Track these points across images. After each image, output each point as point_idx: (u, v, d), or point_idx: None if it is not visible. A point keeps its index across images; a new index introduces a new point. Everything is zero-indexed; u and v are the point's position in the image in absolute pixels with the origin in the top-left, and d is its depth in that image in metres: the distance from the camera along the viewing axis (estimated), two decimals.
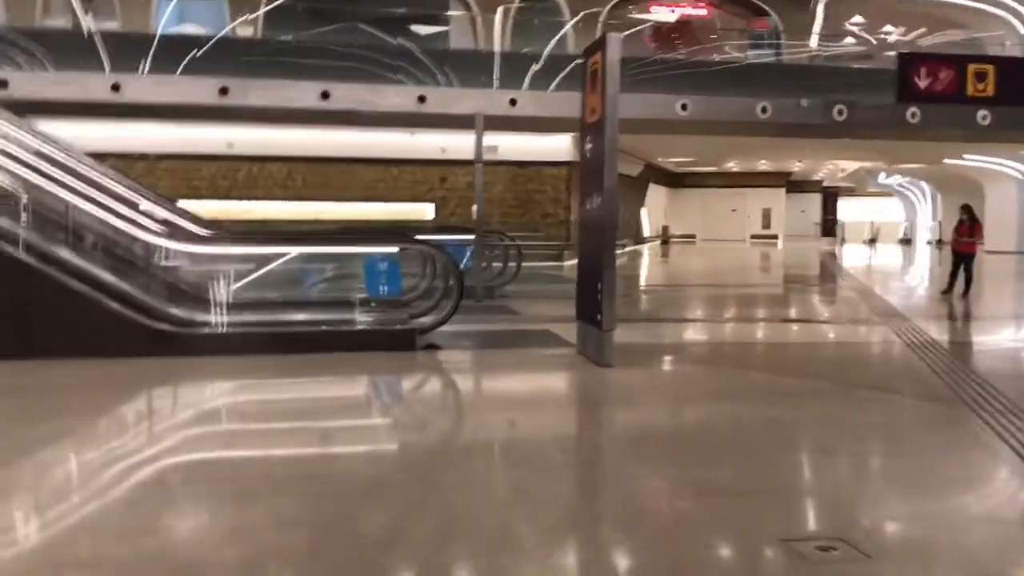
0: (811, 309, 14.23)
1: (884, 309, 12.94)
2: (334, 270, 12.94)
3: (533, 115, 21.77)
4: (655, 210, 41.88)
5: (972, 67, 21.08)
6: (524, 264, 22.03)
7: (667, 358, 8.61)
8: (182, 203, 21.94)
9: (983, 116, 23.13)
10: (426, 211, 22.68)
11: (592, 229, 7.81)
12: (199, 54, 20.15)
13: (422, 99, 21.54)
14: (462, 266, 14.85)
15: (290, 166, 21.69)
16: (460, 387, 7.70)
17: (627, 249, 32.13)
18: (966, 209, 15.35)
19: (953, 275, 14.87)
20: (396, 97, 21.17)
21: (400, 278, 10.03)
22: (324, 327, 8.70)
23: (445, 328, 8.99)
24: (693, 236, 45.16)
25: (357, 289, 9.93)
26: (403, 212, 22.21)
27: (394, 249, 9.76)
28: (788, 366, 8.04)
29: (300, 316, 9.13)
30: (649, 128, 23.63)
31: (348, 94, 20.76)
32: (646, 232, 39.82)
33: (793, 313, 13.55)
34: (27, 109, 14.24)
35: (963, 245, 15.05)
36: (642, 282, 20.04)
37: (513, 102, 21.82)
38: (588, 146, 7.92)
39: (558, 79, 22.51)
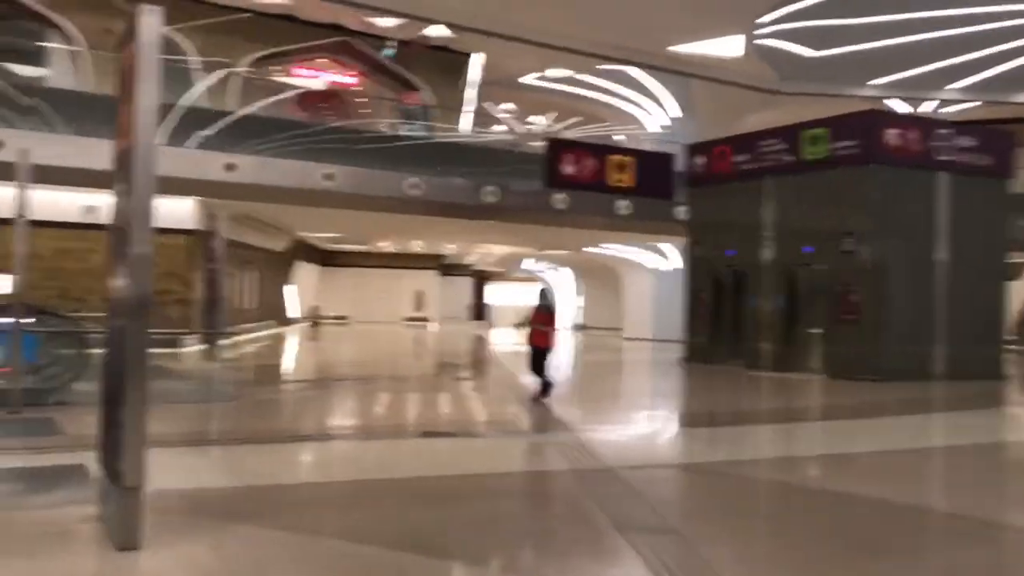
0: (463, 414, 12.16)
1: (541, 413, 11.20)
2: None
3: None
4: (304, 289, 38.99)
5: (613, 158, 21.11)
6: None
7: (241, 522, 5.61)
8: None
9: (624, 206, 23.40)
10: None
11: (118, 321, 4.93)
12: None
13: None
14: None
15: None
16: None
17: (270, 332, 28.86)
18: (544, 294, 12.64)
19: (540, 375, 12.08)
20: None
21: None
22: None
23: None
24: (346, 317, 42.84)
25: None
26: None
27: None
28: (423, 530, 5.61)
29: None
30: (291, 198, 21.02)
31: None
32: (294, 312, 36.74)
33: (443, 420, 11.36)
34: None
35: (539, 336, 12.25)
36: (274, 375, 17.05)
37: None
38: (119, 189, 5.06)
39: (169, 130, 19.25)
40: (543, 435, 9.30)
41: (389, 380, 15.96)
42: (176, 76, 23.32)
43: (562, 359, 24.73)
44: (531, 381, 12.23)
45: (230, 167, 19.26)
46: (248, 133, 20.05)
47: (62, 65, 22.33)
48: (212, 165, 19.05)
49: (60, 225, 18.64)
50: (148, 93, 4.52)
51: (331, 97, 27.42)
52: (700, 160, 21.02)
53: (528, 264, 45.79)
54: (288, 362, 20.29)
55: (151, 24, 4.47)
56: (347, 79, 28.00)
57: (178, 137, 19.08)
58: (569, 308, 45.50)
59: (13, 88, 17.81)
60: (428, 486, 6.74)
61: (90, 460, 6.63)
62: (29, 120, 17.86)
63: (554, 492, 6.79)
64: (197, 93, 22.26)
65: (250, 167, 19.39)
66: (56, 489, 6.16)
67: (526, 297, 49.72)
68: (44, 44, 21.89)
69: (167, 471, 6.72)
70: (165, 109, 19.59)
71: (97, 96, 19.97)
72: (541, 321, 12.26)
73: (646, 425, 11.49)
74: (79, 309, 18.84)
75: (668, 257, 29.93)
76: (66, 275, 18.67)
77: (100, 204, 19.00)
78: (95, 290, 19.00)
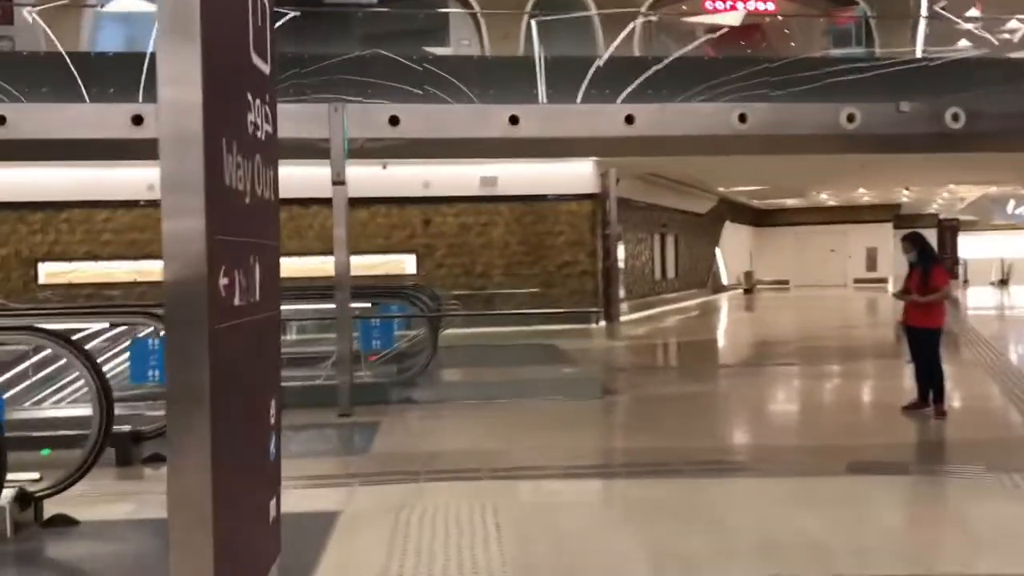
0: (920, 427, 8.36)
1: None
2: None
3: (538, 136, 16.72)
4: (735, 253, 35.94)
5: None
6: (536, 328, 16.86)
7: None
8: (84, 265, 17.85)
9: None
10: (405, 263, 17.72)
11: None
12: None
13: (394, 121, 16.72)
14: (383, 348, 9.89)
15: None
16: None
17: (693, 302, 26.41)
18: (913, 241, 7.89)
19: (921, 372, 7.79)
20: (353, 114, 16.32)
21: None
22: None
23: None
24: (786, 282, 38.94)
25: None
26: (373, 266, 17.29)
27: None
28: None
29: None
30: (698, 148, 18.25)
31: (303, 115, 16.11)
32: (724, 279, 33.93)
33: (891, 440, 7.78)
34: None
35: (915, 312, 7.76)
36: (680, 357, 14.48)
37: (514, 120, 16.77)
38: None
39: (583, 87, 17.49)
40: None
41: (826, 363, 12.47)
42: (576, 30, 21.71)
43: None
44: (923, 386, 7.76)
45: (629, 119, 17.05)
46: (647, 80, 17.70)
47: (463, 34, 21.79)
48: (610, 119, 16.99)
49: (461, 199, 17.90)
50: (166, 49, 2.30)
51: (749, 31, 23.96)
52: None
53: (1011, 208, 37.76)
54: (704, 339, 17.58)
55: None
56: (766, 5, 24.31)
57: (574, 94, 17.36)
58: None
59: (410, 60, 17.31)
60: None
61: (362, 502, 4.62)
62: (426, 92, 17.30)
63: None
64: (609, 47, 20.33)
65: (650, 117, 16.98)
66: None
67: (1009, 249, 41.28)
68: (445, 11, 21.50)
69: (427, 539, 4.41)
70: (567, 63, 17.98)
71: (491, 60, 19.04)
72: (916, 285, 7.67)
73: None
74: (484, 286, 18.11)
75: None
76: (469, 251, 17.90)
77: (497, 174, 17.98)
78: (497, 265, 18.08)
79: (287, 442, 6.90)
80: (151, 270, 16.97)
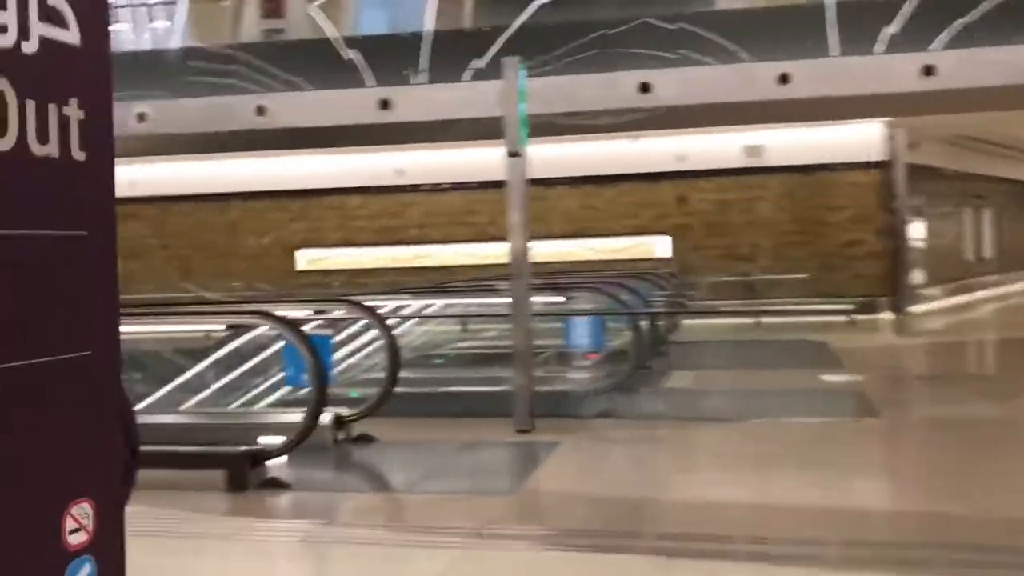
0: None
1: None
2: None
3: (813, 96, 14.41)
4: None
5: None
6: (809, 321, 14.47)
7: None
8: (339, 252, 17.93)
9: None
10: (656, 246, 16.08)
11: None
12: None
13: (645, 88, 15.09)
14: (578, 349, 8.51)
15: (468, 195, 16.44)
16: None
17: (1017, 288, 22.14)
18: None
19: None
20: (595, 88, 14.91)
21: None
22: None
23: None
24: None
25: None
26: (620, 249, 15.85)
27: None
28: None
29: None
30: (999, 102, 14.92)
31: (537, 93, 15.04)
32: None
33: None
34: None
35: None
36: (980, 361, 11.65)
37: (784, 78, 14.59)
38: None
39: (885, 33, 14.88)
40: None
41: None
42: None
43: None
44: None
45: (928, 71, 14.25)
46: (946, 23, 14.64)
47: None
48: (903, 72, 14.28)
49: (721, 173, 15.93)
50: None
51: None
52: None
53: None
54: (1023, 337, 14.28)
55: None
56: None
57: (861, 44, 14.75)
58: None
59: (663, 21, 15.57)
60: None
61: None
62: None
63: None
64: None
65: (955, 66, 14.04)
66: None
67: None
68: None
69: None
70: (848, 8, 15.34)
71: (757, 11, 16.70)
72: None
73: None
74: (748, 272, 15.99)
75: None
76: (731, 230, 15.91)
77: (764, 143, 15.79)
78: (763, 247, 15.92)
79: (433, 467, 5.75)
80: (403, 256, 16.85)
